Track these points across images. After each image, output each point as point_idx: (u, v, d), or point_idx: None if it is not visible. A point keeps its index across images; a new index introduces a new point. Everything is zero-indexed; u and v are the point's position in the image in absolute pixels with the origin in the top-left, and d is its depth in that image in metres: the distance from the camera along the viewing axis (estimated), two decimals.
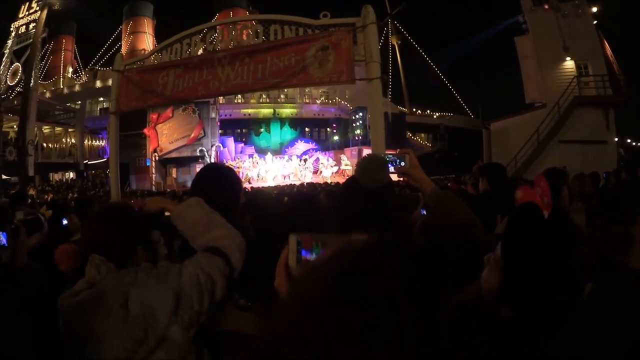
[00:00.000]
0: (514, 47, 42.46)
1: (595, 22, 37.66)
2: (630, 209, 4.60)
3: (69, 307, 2.56)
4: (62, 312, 2.59)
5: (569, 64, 37.30)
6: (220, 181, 3.63)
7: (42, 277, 3.59)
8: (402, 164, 3.29)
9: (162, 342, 2.47)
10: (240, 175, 44.46)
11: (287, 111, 58.33)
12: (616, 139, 37.35)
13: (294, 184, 34.37)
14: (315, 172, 49.43)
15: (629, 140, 71.36)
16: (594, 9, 37.87)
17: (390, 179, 3.29)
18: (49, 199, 21.47)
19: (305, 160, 50.29)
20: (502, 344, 1.95)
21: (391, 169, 3.31)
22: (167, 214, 3.14)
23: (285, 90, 51.96)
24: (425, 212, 5.50)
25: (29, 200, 12.00)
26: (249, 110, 57.38)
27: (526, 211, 2.11)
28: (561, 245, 1.92)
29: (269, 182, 45.35)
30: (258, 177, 47.08)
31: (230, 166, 34.60)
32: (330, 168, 49.16)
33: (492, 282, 2.04)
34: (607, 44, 37.98)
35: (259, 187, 30.03)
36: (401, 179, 3.66)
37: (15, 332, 2.65)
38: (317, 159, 51.01)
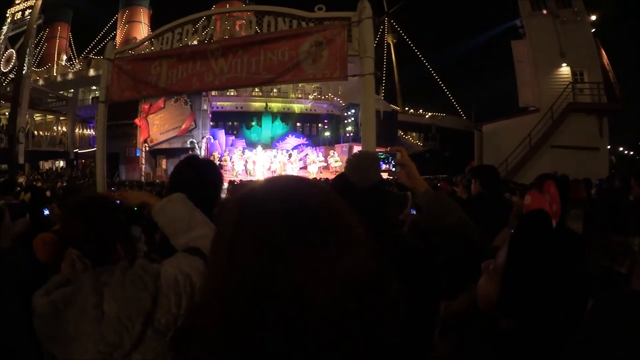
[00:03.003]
0: (509, 50, 42.59)
1: (593, 30, 37.80)
2: (628, 219, 4.54)
3: (41, 306, 2.40)
4: (35, 311, 2.42)
5: (565, 70, 37.49)
6: (199, 175, 3.50)
7: (25, 262, 3.50)
8: (394, 161, 3.22)
9: (138, 346, 2.33)
10: (229, 168, 44.67)
11: (278, 105, 58.29)
12: (609, 147, 37.51)
13: None
14: (303, 168, 49.51)
15: (621, 149, 71.86)
16: (593, 17, 38.07)
17: (382, 177, 3.20)
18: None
19: (290, 155, 50.63)
20: (499, 355, 1.84)
21: (383, 167, 3.22)
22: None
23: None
24: (415, 212, 5.42)
25: (18, 189, 11.88)
26: (241, 103, 57.40)
27: (536, 219, 1.99)
28: (570, 257, 1.80)
29: (258, 175, 45.24)
30: (246, 170, 47.14)
31: (216, 159, 34.84)
32: (315, 164, 49.43)
33: (491, 292, 1.93)
34: (604, 52, 38.12)
35: (247, 181, 30.06)
36: (391, 177, 3.59)
37: (6, 311, 2.55)
38: (306, 155, 51.20)
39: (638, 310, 1.70)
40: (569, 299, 1.73)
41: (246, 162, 48.15)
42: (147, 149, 50.07)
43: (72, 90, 62.75)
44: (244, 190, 1.25)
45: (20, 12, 61.04)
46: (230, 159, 48.39)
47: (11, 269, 3.32)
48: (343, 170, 3.28)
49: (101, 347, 2.25)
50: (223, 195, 4.80)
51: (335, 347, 1.04)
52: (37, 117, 59.68)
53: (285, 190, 1.21)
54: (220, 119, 56.34)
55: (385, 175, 3.37)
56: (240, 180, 29.26)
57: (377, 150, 4.53)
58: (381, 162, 3.23)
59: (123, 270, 2.45)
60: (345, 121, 51.80)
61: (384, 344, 1.13)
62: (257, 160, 48.71)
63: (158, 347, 2.37)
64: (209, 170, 3.63)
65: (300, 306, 1.03)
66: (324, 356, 1.04)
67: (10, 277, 3.13)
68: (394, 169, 3.25)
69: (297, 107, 58.62)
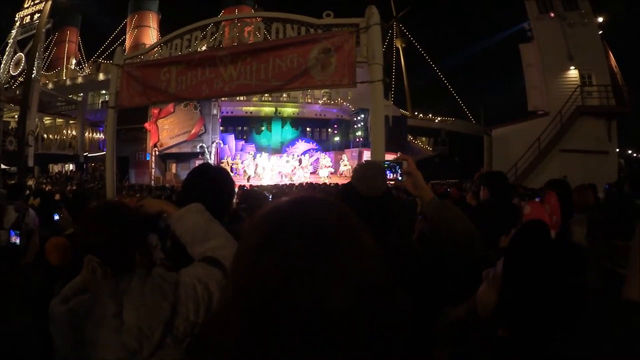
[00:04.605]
0: (518, 54, 42.51)
1: (600, 32, 37.68)
2: (632, 223, 4.56)
3: (59, 314, 2.45)
4: (53, 319, 2.48)
5: (573, 73, 37.41)
6: (211, 184, 3.49)
7: (42, 277, 3.55)
8: (400, 171, 3.24)
9: (156, 352, 2.36)
10: (240, 173, 44.69)
11: (288, 110, 58.26)
12: (617, 150, 37.37)
13: (293, 184, 34.46)
14: (314, 172, 49.53)
15: (629, 152, 71.48)
16: (600, 19, 37.96)
17: (388, 187, 3.22)
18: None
19: (300, 161, 50.63)
20: None
21: (389, 176, 3.25)
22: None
23: None
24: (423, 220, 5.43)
25: (27, 192, 11.94)
26: (251, 108, 57.38)
27: (533, 229, 2.01)
28: (567, 269, 1.82)
29: (267, 180, 45.32)
30: (255, 174, 47.32)
31: (228, 164, 34.90)
32: (325, 168, 49.37)
33: (490, 300, 1.97)
34: (611, 54, 38.01)
35: (257, 186, 30.13)
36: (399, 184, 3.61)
37: (24, 323, 2.59)
38: (317, 159, 51.18)
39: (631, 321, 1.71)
40: (563, 310, 1.75)
41: (257, 166, 48.14)
42: (157, 153, 50.25)
43: (82, 94, 62.85)
44: (267, 209, 1.32)
45: (29, 16, 61.10)
46: (242, 163, 48.36)
47: (32, 283, 3.37)
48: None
49: (120, 355, 2.29)
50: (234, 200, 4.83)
51: (348, 353, 1.09)
52: (47, 120, 59.64)
53: (303, 210, 1.27)
54: (230, 124, 56.39)
55: (391, 184, 3.40)
56: (250, 185, 29.30)
57: (385, 157, 4.55)
58: (388, 171, 3.25)
59: (141, 278, 2.49)
60: (355, 126, 51.76)
61: (391, 350, 1.18)
62: (268, 164, 48.74)
63: (175, 354, 2.41)
64: (222, 179, 3.62)
65: (316, 315, 1.08)
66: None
67: (30, 290, 3.18)
68: (400, 178, 3.28)
69: (306, 112, 58.56)
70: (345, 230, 1.23)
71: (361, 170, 3.15)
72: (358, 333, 1.11)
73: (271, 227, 1.23)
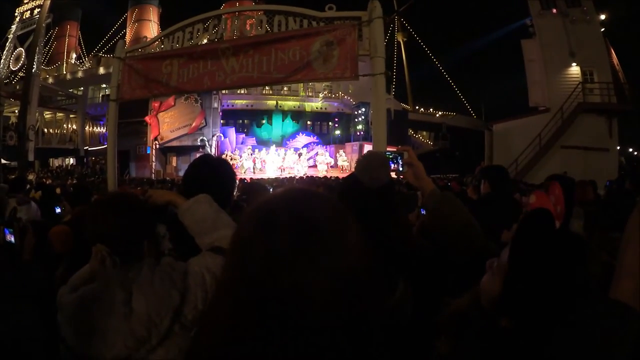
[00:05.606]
0: (520, 49, 42.46)
1: (602, 29, 37.66)
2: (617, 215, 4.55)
3: (68, 303, 2.48)
4: (61, 307, 2.51)
5: (575, 69, 37.38)
6: (213, 175, 3.50)
7: (42, 274, 3.55)
8: (401, 161, 3.24)
9: (164, 341, 2.40)
10: (237, 166, 44.66)
11: (289, 104, 58.21)
12: (618, 147, 37.36)
13: (294, 177, 34.50)
14: (313, 166, 49.63)
15: (630, 150, 71.40)
16: (602, 16, 37.92)
17: (391, 178, 3.21)
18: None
19: (300, 155, 50.48)
20: (499, 354, 1.85)
21: (391, 166, 3.25)
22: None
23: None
24: (425, 212, 5.42)
25: (28, 186, 11.96)
26: (252, 101, 57.24)
27: (539, 217, 2.00)
28: (570, 257, 1.80)
29: (269, 174, 45.40)
30: (254, 169, 47.43)
31: (228, 157, 34.79)
32: (324, 163, 49.48)
33: (493, 289, 1.94)
34: (613, 52, 37.98)
35: (257, 179, 30.15)
36: (401, 176, 3.60)
37: (25, 321, 2.59)
38: (317, 153, 51.18)
39: (616, 323, 1.70)
40: (570, 300, 1.74)
41: (254, 160, 48.17)
42: (158, 146, 50.21)
43: (82, 88, 62.73)
44: (259, 202, 1.39)
45: (29, 11, 61.09)
46: (240, 157, 48.30)
47: (33, 280, 3.38)
48: (352, 168, 3.31)
49: (129, 342, 2.32)
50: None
51: (329, 338, 1.15)
52: (47, 114, 59.57)
53: (293, 204, 1.34)
54: (231, 117, 56.17)
55: (393, 175, 3.39)
56: (251, 178, 29.34)
57: (387, 149, 4.54)
58: (390, 162, 3.25)
59: (150, 267, 2.53)
60: (356, 120, 51.63)
61: (374, 335, 1.24)
62: (267, 158, 48.80)
63: (182, 343, 2.43)
64: (223, 170, 3.64)
65: (298, 302, 1.14)
66: (318, 345, 1.14)
67: (32, 288, 3.18)
68: (401, 169, 3.28)
69: (307, 106, 58.40)
70: (333, 227, 1.28)
71: (364, 160, 3.14)
72: (339, 320, 1.17)
73: (262, 220, 1.30)
